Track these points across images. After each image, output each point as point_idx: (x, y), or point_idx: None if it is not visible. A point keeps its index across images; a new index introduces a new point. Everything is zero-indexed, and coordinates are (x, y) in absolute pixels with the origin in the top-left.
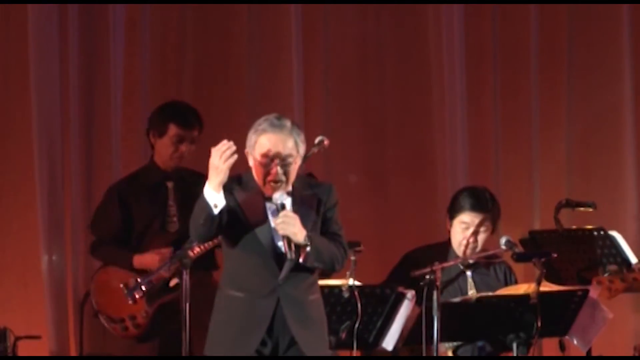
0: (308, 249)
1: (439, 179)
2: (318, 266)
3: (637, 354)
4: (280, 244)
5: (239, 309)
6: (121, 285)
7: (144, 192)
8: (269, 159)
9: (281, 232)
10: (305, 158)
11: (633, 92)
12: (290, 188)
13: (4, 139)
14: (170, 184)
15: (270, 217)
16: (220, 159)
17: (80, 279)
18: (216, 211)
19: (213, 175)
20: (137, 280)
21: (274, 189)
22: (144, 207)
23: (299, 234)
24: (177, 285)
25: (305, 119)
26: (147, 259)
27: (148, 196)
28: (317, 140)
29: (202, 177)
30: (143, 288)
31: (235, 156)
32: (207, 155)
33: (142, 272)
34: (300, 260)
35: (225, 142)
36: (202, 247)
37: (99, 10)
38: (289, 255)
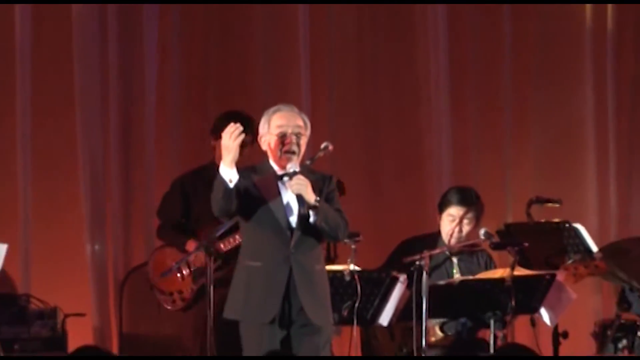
0: (317, 208)
1: (427, 179)
2: (324, 228)
3: (596, 330)
4: (292, 219)
5: (257, 277)
6: (174, 264)
7: (202, 186)
8: (284, 130)
9: (295, 192)
10: (312, 161)
11: (594, 107)
12: (298, 167)
13: (51, 142)
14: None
15: (283, 194)
16: (230, 139)
17: (120, 265)
18: (231, 185)
19: (225, 154)
20: (187, 261)
21: (289, 160)
22: (201, 198)
23: (310, 194)
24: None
25: (312, 126)
26: (191, 247)
27: (206, 190)
28: (322, 146)
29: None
30: (185, 271)
31: (243, 135)
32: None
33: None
34: (311, 219)
35: (232, 124)
36: (232, 242)
37: (135, 31)
38: (301, 211)
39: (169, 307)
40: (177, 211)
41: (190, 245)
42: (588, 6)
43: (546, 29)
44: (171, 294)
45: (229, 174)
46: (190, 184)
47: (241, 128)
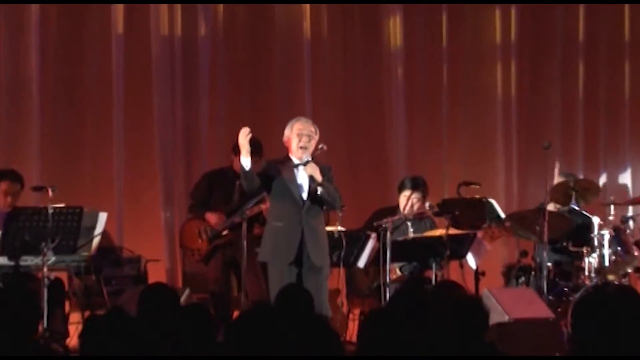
0: (323, 185)
1: (390, 169)
2: (326, 199)
3: (504, 270)
4: (304, 194)
5: (280, 233)
6: (197, 230)
7: (223, 181)
8: (302, 132)
9: (308, 173)
10: (312, 157)
11: (502, 119)
12: (310, 158)
13: (136, 139)
14: (238, 183)
15: (298, 176)
16: (243, 138)
17: None
18: (247, 168)
19: (242, 149)
20: (205, 230)
21: (303, 153)
22: (221, 189)
23: (318, 175)
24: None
25: None
26: (210, 217)
27: (225, 184)
28: (319, 147)
29: None
30: (203, 237)
31: (250, 135)
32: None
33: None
34: (318, 192)
35: (244, 128)
36: (254, 210)
37: (193, 75)
38: (311, 187)
39: (189, 259)
40: (204, 195)
41: (209, 216)
42: (497, 32)
43: (469, 53)
44: (192, 250)
45: (245, 161)
46: (214, 178)
47: (248, 129)
